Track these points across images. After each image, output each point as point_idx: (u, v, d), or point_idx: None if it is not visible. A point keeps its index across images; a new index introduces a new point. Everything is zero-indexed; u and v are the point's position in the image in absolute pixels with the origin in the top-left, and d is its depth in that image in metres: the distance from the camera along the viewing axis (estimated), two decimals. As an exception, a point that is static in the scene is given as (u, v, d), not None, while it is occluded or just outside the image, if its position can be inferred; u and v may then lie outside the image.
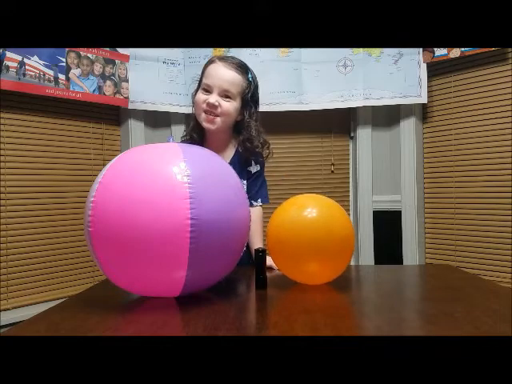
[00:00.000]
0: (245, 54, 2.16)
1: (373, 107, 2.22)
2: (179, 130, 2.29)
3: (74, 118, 2.04)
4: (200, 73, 1.25)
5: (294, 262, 1.00)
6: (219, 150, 1.23)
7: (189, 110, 2.20)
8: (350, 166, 2.43)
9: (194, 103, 1.22)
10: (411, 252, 2.23)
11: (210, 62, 1.22)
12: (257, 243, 1.28)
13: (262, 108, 2.18)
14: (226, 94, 1.18)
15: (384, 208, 2.32)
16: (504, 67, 1.94)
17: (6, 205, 1.82)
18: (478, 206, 2.05)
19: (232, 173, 0.98)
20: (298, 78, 2.19)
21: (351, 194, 2.43)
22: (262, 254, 1.01)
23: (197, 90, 1.25)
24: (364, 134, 2.32)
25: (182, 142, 1.31)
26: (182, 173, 0.84)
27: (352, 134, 2.39)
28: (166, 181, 0.83)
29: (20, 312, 1.83)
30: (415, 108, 2.21)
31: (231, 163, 1.23)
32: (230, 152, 1.28)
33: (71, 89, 1.91)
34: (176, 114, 2.24)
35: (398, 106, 2.20)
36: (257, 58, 2.17)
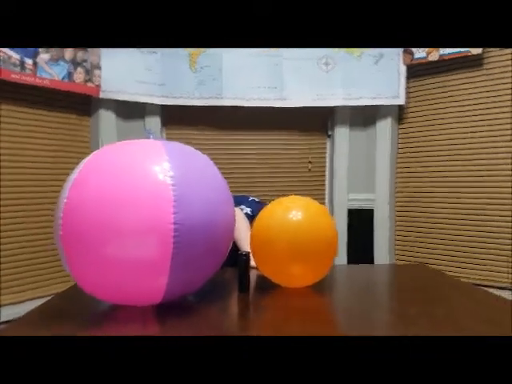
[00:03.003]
0: (224, 48, 2.10)
1: (351, 106, 2.22)
2: (154, 121, 2.21)
3: (41, 107, 1.91)
4: None
5: (277, 264, 0.97)
6: None
7: (165, 101, 2.13)
8: (327, 164, 2.42)
9: None
10: (382, 250, 2.26)
11: None
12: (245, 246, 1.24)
13: (241, 103, 2.15)
14: None
15: (359, 206, 2.33)
16: (480, 71, 1.98)
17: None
18: (447, 205, 2.09)
19: (216, 172, 0.93)
20: (279, 73, 2.15)
21: (327, 192, 2.43)
22: (245, 257, 0.98)
23: None
24: (342, 133, 2.32)
25: None
26: (165, 173, 0.79)
27: (330, 133, 2.38)
28: (148, 182, 0.78)
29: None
30: (392, 109, 2.23)
31: None
32: None
33: (38, 75, 1.79)
34: (151, 105, 2.15)
35: (376, 105, 2.21)
36: (237, 51, 2.11)
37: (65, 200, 0.78)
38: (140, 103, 2.13)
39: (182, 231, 0.76)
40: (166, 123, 2.26)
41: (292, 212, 0.98)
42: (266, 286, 1.02)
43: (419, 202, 2.21)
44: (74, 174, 0.81)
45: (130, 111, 2.17)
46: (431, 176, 2.16)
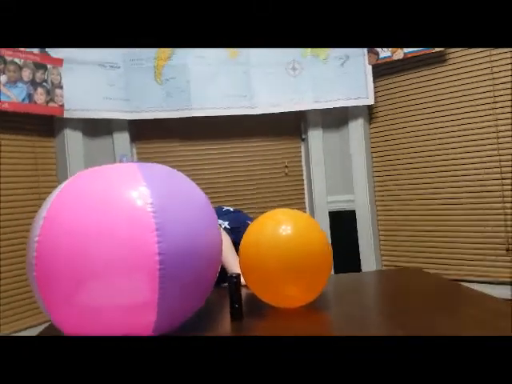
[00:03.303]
0: (191, 57, 2.05)
1: (322, 109, 2.21)
2: (122, 137, 2.13)
3: (2, 131, 1.80)
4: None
5: (269, 284, 0.94)
6: None
7: (131, 116, 2.06)
8: (303, 167, 2.41)
9: None
10: (367, 252, 2.26)
11: None
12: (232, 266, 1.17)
13: (211, 113, 2.11)
14: None
15: (339, 208, 2.33)
16: (444, 67, 2.02)
17: None
18: (426, 202, 2.12)
19: (197, 191, 0.89)
20: (248, 81, 2.12)
21: (306, 195, 2.42)
22: (235, 280, 0.93)
23: None
24: (315, 136, 2.32)
25: None
26: (144, 199, 0.73)
27: (303, 136, 2.37)
28: (126, 211, 0.73)
29: None
30: (362, 109, 2.24)
31: None
32: None
33: (-5, 98, 1.68)
34: (117, 120, 2.07)
35: (345, 107, 2.21)
36: (204, 60, 2.07)
37: (36, 238, 0.72)
38: (106, 120, 2.05)
39: (167, 262, 0.71)
40: (134, 139, 2.19)
41: (282, 227, 0.95)
42: (258, 306, 0.98)
43: (399, 199, 2.23)
44: (44, 210, 0.74)
45: (97, 129, 2.08)
46: (408, 173, 2.18)
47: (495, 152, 1.88)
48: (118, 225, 0.71)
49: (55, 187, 2.01)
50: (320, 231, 0.98)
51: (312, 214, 2.34)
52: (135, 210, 0.72)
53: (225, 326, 0.91)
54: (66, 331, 0.76)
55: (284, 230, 0.94)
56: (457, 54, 1.99)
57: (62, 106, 1.91)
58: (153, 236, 0.71)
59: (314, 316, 0.94)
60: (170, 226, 0.74)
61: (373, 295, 1.18)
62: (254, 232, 0.98)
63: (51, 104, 1.87)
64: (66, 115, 1.92)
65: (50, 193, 1.99)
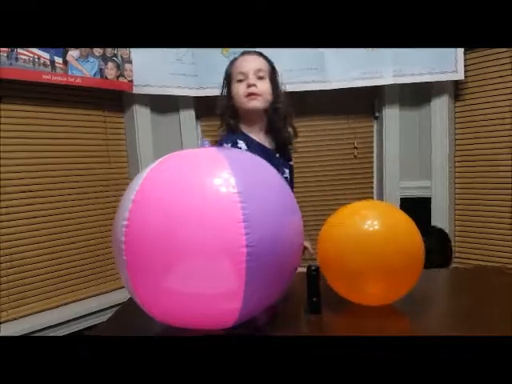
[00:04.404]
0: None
1: (401, 84, 2.06)
2: (188, 114, 2.14)
3: (74, 106, 1.88)
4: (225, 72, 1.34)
5: (354, 282, 0.89)
6: (257, 132, 1.31)
7: (199, 93, 2.06)
8: (375, 149, 2.29)
9: (234, 96, 1.30)
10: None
11: (233, 60, 1.34)
12: None
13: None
14: (259, 76, 1.28)
15: (412, 195, 2.20)
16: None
17: (4, 199, 1.68)
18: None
19: (282, 182, 0.86)
20: (320, 53, 2.02)
21: (375, 180, 2.31)
22: (315, 273, 0.90)
23: (228, 91, 1.32)
24: (391, 114, 2.18)
25: (222, 136, 1.28)
26: (231, 189, 0.71)
27: (377, 114, 2.24)
28: (214, 200, 0.71)
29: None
30: (448, 85, 2.06)
31: (273, 152, 1.32)
32: (266, 138, 1.34)
33: (70, 73, 1.74)
34: (184, 97, 2.08)
35: (429, 82, 2.05)
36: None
37: (125, 222, 0.72)
38: (173, 96, 2.06)
39: (254, 254, 0.69)
40: (200, 116, 2.19)
41: (369, 221, 0.89)
42: (337, 303, 0.94)
43: (482, 189, 2.06)
44: (133, 193, 0.74)
45: (164, 105, 2.11)
46: (495, 159, 1.99)
47: None
48: (207, 214, 0.70)
49: (125, 162, 2.10)
50: (412, 226, 0.91)
51: (380, 199, 2.24)
52: (224, 199, 0.70)
53: (301, 321, 0.89)
54: (155, 316, 0.78)
55: (370, 225, 0.88)
56: None
57: (131, 81, 1.94)
58: (241, 227, 0.68)
59: (393, 316, 0.89)
60: (258, 216, 0.71)
61: (456, 296, 1.10)
62: (335, 226, 0.93)
63: (121, 79, 1.91)
64: (135, 91, 1.95)
65: (120, 167, 2.08)
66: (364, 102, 2.25)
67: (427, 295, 1.04)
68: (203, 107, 2.16)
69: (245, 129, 1.31)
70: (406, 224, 0.93)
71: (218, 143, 1.26)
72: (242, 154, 0.89)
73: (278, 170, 1.25)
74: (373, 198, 2.30)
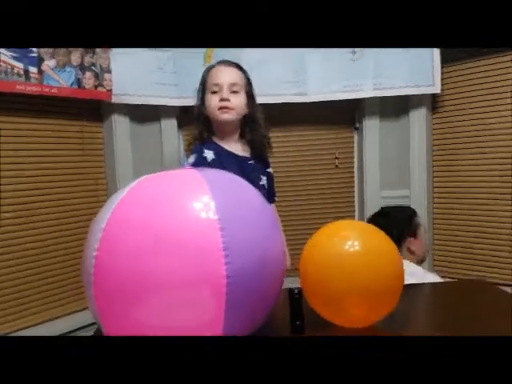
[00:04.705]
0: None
1: (381, 96, 2.10)
2: (170, 124, 2.12)
3: (50, 116, 1.84)
4: (200, 80, 1.38)
5: (335, 304, 0.90)
6: (228, 141, 1.34)
7: (180, 103, 2.04)
8: (355, 159, 2.32)
9: (207, 107, 1.33)
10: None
11: (210, 68, 1.37)
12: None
13: (262, 100, 2.04)
14: (233, 90, 1.30)
15: (393, 203, 2.23)
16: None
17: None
18: (490, 206, 1.98)
19: (263, 202, 0.85)
20: (302, 65, 2.03)
21: (356, 189, 2.33)
22: (298, 296, 0.90)
23: (202, 98, 1.35)
24: (371, 125, 2.21)
25: (196, 147, 1.31)
26: (211, 215, 0.70)
27: (357, 125, 2.27)
28: (193, 227, 0.70)
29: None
30: (425, 97, 2.11)
31: (250, 159, 1.36)
32: (239, 146, 1.37)
33: (45, 83, 1.70)
34: (166, 106, 2.06)
35: (407, 95, 2.09)
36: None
37: (95, 253, 0.70)
38: (153, 106, 2.04)
39: (235, 284, 0.69)
40: (182, 125, 2.17)
41: (349, 242, 0.90)
42: (319, 324, 0.94)
43: (460, 197, 2.11)
44: (103, 221, 0.72)
45: (144, 114, 2.08)
46: (473, 170, 2.05)
47: None
48: (184, 241, 0.69)
49: (102, 173, 2.06)
50: (393, 248, 0.92)
51: (362, 209, 2.27)
52: (203, 226, 0.70)
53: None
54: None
55: (351, 246, 0.89)
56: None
57: (110, 90, 1.91)
58: (221, 256, 0.68)
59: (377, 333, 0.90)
60: (238, 244, 0.71)
61: (437, 311, 1.12)
62: (316, 248, 0.94)
63: (100, 89, 1.88)
64: (114, 100, 1.93)
65: (97, 179, 2.03)
66: (344, 114, 2.27)
67: (407, 312, 1.05)
68: (186, 116, 2.14)
69: (217, 137, 1.34)
70: (386, 245, 0.93)
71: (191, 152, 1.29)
72: (219, 174, 0.88)
73: (253, 176, 1.29)
74: (354, 207, 2.32)
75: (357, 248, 0.89)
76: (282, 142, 2.23)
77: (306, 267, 0.93)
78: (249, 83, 1.38)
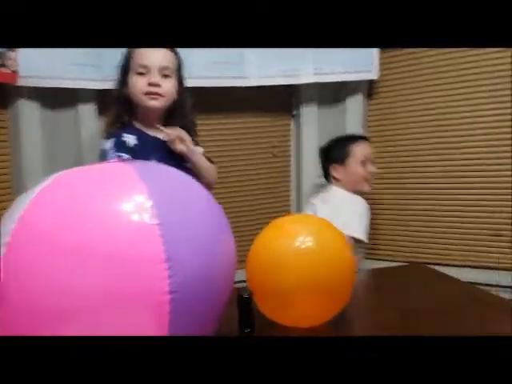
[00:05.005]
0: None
1: (320, 83, 2.05)
2: (88, 110, 1.89)
3: None
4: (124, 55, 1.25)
5: (284, 304, 0.83)
6: (152, 128, 1.26)
7: (102, 86, 1.82)
8: (292, 148, 2.27)
9: (130, 90, 1.22)
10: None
11: None
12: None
13: (197, 83, 1.89)
14: (164, 74, 1.21)
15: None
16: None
17: None
18: (426, 191, 2.04)
19: (206, 195, 0.74)
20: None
21: (293, 179, 2.29)
22: (248, 299, 0.81)
23: (124, 78, 1.25)
24: (309, 112, 2.16)
25: (113, 132, 1.24)
26: (148, 218, 0.58)
27: (294, 112, 2.22)
28: (127, 232, 0.57)
29: None
30: (362, 84, 2.10)
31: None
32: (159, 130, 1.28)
33: None
34: (83, 90, 1.83)
35: (345, 81, 2.07)
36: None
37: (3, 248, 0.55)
38: (70, 89, 1.80)
39: (179, 302, 0.58)
40: (103, 111, 1.95)
41: (299, 239, 0.83)
42: (270, 328, 0.86)
43: (397, 183, 2.15)
44: (18, 210, 0.57)
45: (58, 99, 1.84)
46: (409, 156, 2.09)
47: (508, 136, 1.81)
48: (116, 251, 0.56)
49: (7, 168, 1.79)
50: (342, 239, 0.87)
51: (299, 199, 2.23)
52: (139, 234, 0.57)
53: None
54: None
55: (301, 242, 0.83)
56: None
57: (15, 71, 1.64)
58: (162, 269, 0.56)
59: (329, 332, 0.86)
60: (182, 251, 0.60)
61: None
62: (263, 247, 0.86)
63: (2, 69, 1.61)
64: (21, 83, 1.66)
65: (2, 174, 1.75)
66: (281, 100, 2.20)
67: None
68: (107, 101, 1.93)
69: (138, 122, 1.26)
70: (336, 240, 0.88)
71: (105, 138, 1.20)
72: (155, 167, 0.76)
73: (179, 160, 1.19)
74: (290, 198, 2.28)
75: (307, 244, 0.83)
76: (216, 129, 2.10)
77: (254, 268, 0.85)
78: (180, 67, 1.30)
